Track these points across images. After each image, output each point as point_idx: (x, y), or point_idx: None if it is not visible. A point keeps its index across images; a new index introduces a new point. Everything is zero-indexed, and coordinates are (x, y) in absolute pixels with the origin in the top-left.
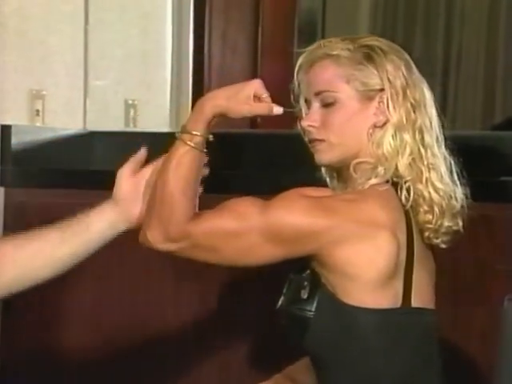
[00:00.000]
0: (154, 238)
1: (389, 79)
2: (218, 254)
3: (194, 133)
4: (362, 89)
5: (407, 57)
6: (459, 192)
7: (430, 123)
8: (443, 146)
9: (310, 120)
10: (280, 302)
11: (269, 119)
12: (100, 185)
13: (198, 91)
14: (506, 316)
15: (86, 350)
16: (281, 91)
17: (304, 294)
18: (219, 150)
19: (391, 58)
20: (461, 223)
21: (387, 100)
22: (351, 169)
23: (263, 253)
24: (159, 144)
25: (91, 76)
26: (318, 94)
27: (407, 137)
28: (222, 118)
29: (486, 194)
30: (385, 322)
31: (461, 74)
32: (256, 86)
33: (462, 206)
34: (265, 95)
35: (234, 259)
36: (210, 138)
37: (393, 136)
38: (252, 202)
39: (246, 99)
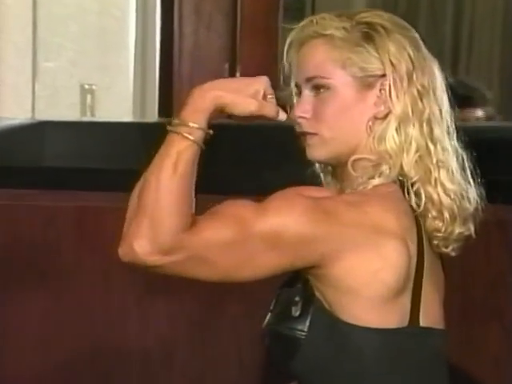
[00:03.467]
0: (143, 248)
1: (392, 63)
2: (212, 267)
3: (192, 125)
4: (360, 75)
5: (415, 34)
6: (472, 192)
7: (440, 112)
8: (455, 139)
9: (301, 110)
10: (267, 320)
11: None
12: (52, 184)
13: (167, 75)
14: None
15: (32, 379)
16: (262, 74)
17: (295, 312)
18: None
19: (395, 38)
20: (473, 227)
21: (389, 87)
22: (349, 166)
23: (262, 263)
24: (121, 136)
25: (41, 57)
26: (308, 79)
27: (413, 130)
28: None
29: (501, 195)
30: (388, 343)
31: (472, 58)
32: (266, 83)
33: (476, 209)
34: (271, 95)
35: (230, 272)
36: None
37: (397, 129)
38: (248, 206)
39: (255, 95)
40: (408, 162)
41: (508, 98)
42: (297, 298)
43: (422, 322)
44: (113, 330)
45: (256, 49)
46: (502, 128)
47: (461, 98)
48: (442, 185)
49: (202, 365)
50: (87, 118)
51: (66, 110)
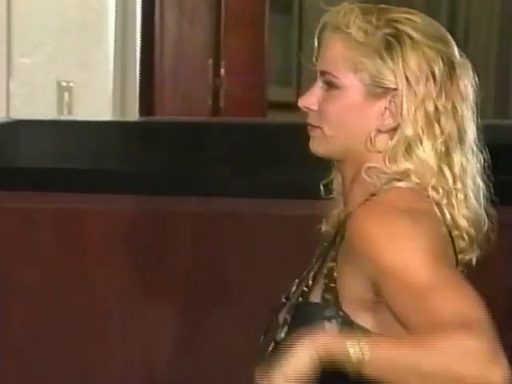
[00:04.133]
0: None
1: (407, 78)
2: None
3: None
4: (369, 82)
5: (448, 47)
6: (484, 214)
7: (462, 136)
8: (475, 162)
9: (307, 102)
10: (283, 336)
11: (234, 105)
12: (29, 186)
13: (148, 71)
14: None
15: (10, 381)
16: (247, 69)
17: (332, 329)
18: (176, 142)
19: (420, 50)
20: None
21: (401, 103)
22: (363, 173)
23: None
24: (99, 135)
25: (16, 52)
26: (322, 73)
27: (424, 152)
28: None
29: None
30: None
31: (468, 55)
32: None
33: (487, 231)
34: None
35: None
36: None
37: (407, 150)
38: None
39: None
40: (426, 182)
41: (504, 96)
42: (328, 313)
43: None
44: (94, 334)
45: (241, 43)
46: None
47: None
48: (459, 209)
49: (187, 377)
50: (65, 117)
51: (43, 108)
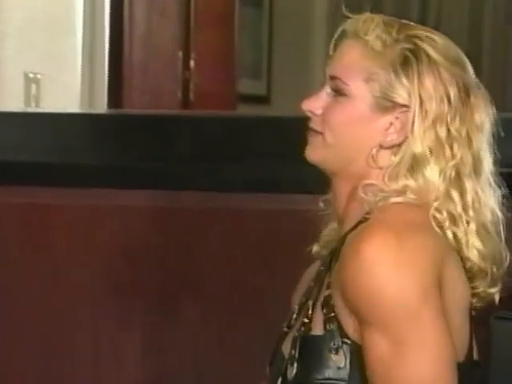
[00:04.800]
0: None
1: (420, 95)
2: None
3: None
4: (379, 95)
5: (465, 72)
6: (504, 250)
7: (476, 164)
8: (493, 195)
9: (312, 105)
10: (293, 373)
11: (204, 98)
12: None
13: (116, 64)
14: (493, 337)
15: None
16: (218, 62)
17: (339, 361)
18: (144, 135)
19: (438, 71)
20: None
21: (412, 121)
22: (360, 191)
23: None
24: (67, 128)
25: None
26: (332, 78)
27: (431, 173)
28: None
29: None
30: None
31: None
32: None
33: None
34: None
35: None
36: None
37: (412, 167)
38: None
39: None
40: (428, 202)
41: None
42: (333, 345)
43: (475, 355)
44: (61, 331)
45: (211, 36)
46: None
47: None
48: (469, 239)
49: (155, 372)
50: (32, 109)
51: (10, 101)
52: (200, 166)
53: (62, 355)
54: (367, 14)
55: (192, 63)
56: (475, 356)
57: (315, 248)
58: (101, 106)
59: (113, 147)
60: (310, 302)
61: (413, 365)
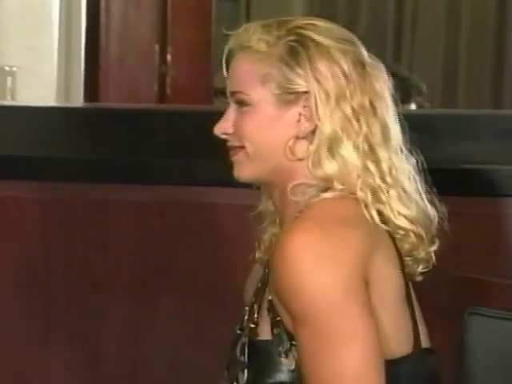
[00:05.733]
0: None
1: (317, 80)
2: None
3: None
4: (279, 91)
5: (357, 48)
6: (430, 209)
7: (385, 132)
8: (404, 158)
9: (223, 127)
10: (245, 379)
11: (180, 92)
12: None
13: (93, 56)
14: (467, 332)
15: None
16: (196, 58)
17: (290, 364)
18: (120, 129)
19: (327, 52)
20: (437, 245)
21: (315, 105)
22: (289, 192)
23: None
24: (43, 121)
25: None
26: (232, 94)
27: (347, 151)
28: None
29: (445, 186)
30: (397, 377)
31: (416, 40)
32: None
33: (437, 222)
34: None
35: None
36: None
37: (329, 151)
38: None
39: None
40: (352, 183)
41: (452, 82)
42: (282, 348)
43: (423, 343)
44: (35, 324)
45: (188, 30)
46: (446, 115)
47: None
48: (393, 207)
49: (131, 365)
50: (8, 102)
51: None
52: (176, 160)
53: (36, 347)
54: (244, 25)
55: (169, 57)
56: (425, 343)
57: (258, 254)
58: (77, 99)
59: (88, 141)
60: (256, 307)
61: (340, 359)
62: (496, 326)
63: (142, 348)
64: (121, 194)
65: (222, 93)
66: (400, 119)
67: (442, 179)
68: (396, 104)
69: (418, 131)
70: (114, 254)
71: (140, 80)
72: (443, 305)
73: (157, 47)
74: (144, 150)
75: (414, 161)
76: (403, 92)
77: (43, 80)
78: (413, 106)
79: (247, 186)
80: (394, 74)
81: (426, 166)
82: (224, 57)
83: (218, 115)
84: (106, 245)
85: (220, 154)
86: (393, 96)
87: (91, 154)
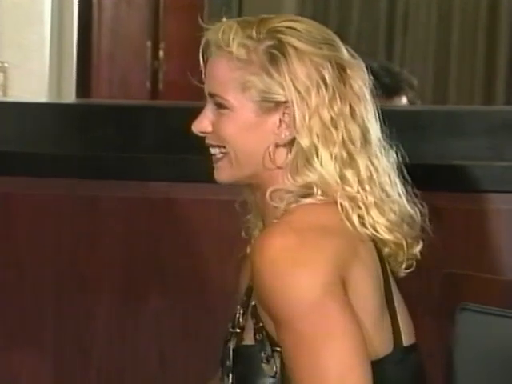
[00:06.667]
0: None
1: (297, 89)
2: None
3: None
4: (259, 99)
5: (335, 50)
6: (412, 208)
7: (365, 137)
8: (385, 161)
9: (201, 126)
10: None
11: (173, 88)
12: None
13: (85, 52)
14: (459, 328)
15: None
16: (187, 53)
17: (271, 369)
18: (112, 125)
19: (306, 59)
20: (421, 245)
21: (293, 114)
22: (267, 198)
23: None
24: (35, 117)
25: None
26: (210, 95)
27: (322, 162)
28: None
29: (434, 182)
30: (381, 376)
31: (408, 37)
32: None
33: (419, 222)
34: None
35: None
36: None
37: (308, 160)
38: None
39: None
40: (331, 191)
41: (443, 79)
42: (264, 354)
43: (405, 341)
44: (25, 323)
45: (181, 26)
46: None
47: (387, 87)
48: (375, 218)
49: (121, 361)
50: None
51: None
52: (168, 157)
53: (24, 345)
54: (224, 22)
55: (161, 53)
56: (409, 340)
57: (249, 249)
58: (69, 95)
59: (79, 137)
60: (241, 312)
61: (322, 359)
62: (486, 321)
63: (131, 345)
64: (111, 191)
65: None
66: (379, 114)
67: (431, 175)
68: (375, 101)
69: (407, 127)
70: (103, 250)
71: (132, 76)
72: (433, 301)
73: (149, 43)
74: (135, 146)
75: (394, 156)
76: (395, 86)
77: (35, 76)
78: (404, 100)
79: None
80: (385, 69)
81: (407, 160)
82: (201, 48)
83: None
84: (95, 241)
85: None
86: (372, 92)
87: (83, 151)
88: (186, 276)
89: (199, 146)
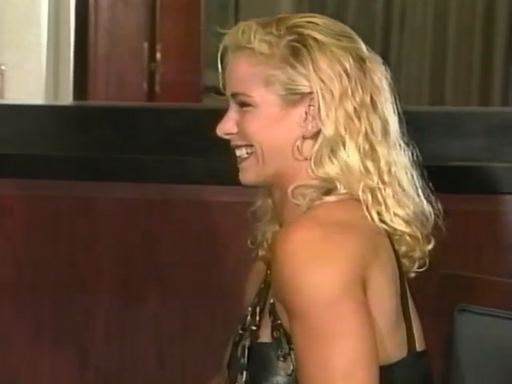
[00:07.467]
0: None
1: (321, 79)
2: None
3: None
4: (284, 93)
5: (356, 44)
6: (427, 205)
7: (385, 128)
8: (403, 154)
9: (226, 127)
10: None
11: (170, 90)
12: None
13: (82, 53)
14: (456, 329)
15: None
16: (184, 53)
17: (287, 368)
18: (109, 127)
19: (328, 51)
20: (433, 243)
21: (318, 105)
22: (289, 195)
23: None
24: (32, 119)
25: None
26: (233, 95)
27: (349, 150)
28: None
29: (432, 183)
30: (392, 381)
31: (404, 36)
32: None
33: (434, 221)
34: None
35: None
36: None
37: (332, 150)
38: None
39: None
40: (354, 185)
41: (440, 77)
42: (281, 352)
43: (418, 346)
44: (23, 323)
45: (177, 27)
46: (433, 112)
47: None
48: (393, 210)
49: (119, 360)
50: None
51: None
52: (165, 158)
53: (22, 344)
54: (241, 24)
55: (158, 55)
56: (420, 346)
57: (260, 252)
58: (66, 97)
59: (77, 139)
60: (258, 309)
61: (329, 356)
62: (485, 323)
63: (130, 345)
64: (108, 192)
65: (215, 91)
66: (397, 107)
67: (430, 176)
68: (393, 94)
69: (405, 128)
70: (100, 251)
71: (129, 78)
72: (432, 302)
73: (146, 45)
74: (132, 148)
75: (409, 154)
76: None
77: (32, 78)
78: None
79: (235, 183)
80: None
81: (421, 159)
82: (219, 55)
83: (208, 113)
84: (93, 242)
85: (208, 151)
86: (390, 86)
87: (80, 152)
88: (183, 277)
89: (197, 147)
